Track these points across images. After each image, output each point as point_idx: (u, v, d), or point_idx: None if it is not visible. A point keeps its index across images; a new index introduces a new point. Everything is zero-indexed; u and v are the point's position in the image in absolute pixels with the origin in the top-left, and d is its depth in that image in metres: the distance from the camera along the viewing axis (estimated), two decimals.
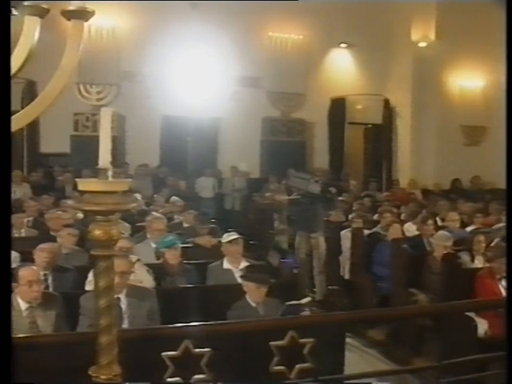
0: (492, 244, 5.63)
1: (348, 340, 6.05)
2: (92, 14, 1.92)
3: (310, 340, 3.10)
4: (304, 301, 4.01)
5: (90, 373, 2.05)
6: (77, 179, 2.02)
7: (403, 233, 7.31)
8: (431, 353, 5.55)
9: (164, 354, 2.80)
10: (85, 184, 1.97)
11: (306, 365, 3.11)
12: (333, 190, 7.21)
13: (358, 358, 5.77)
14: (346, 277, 7.38)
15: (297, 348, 3.07)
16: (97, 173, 1.98)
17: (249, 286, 4.37)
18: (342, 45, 13.92)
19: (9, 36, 1.80)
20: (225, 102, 12.25)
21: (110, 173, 1.98)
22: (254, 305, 4.36)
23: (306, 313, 3.97)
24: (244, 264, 5.24)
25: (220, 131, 12.76)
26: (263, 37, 13.12)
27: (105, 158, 2.00)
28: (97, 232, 1.98)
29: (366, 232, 7.39)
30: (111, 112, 2.07)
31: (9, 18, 1.80)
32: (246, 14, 12.26)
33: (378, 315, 3.93)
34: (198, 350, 2.85)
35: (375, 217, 8.42)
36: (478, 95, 13.73)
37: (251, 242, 6.85)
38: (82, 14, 1.89)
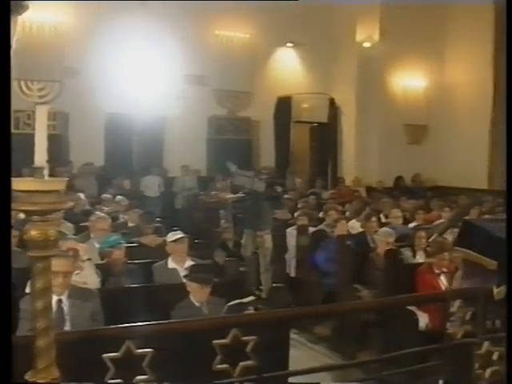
0: (430, 240, 5.77)
1: (294, 336, 6.13)
2: (26, 8, 1.87)
3: (253, 338, 3.10)
4: (246, 300, 4.01)
5: (26, 377, 2.00)
6: (12, 178, 1.96)
7: (348, 230, 7.44)
8: (376, 346, 5.66)
9: (105, 355, 2.75)
10: (20, 183, 1.92)
11: (249, 362, 3.11)
12: (278, 188, 7.24)
13: (303, 354, 5.84)
14: (292, 274, 7.45)
15: (240, 346, 3.07)
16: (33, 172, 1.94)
17: (192, 286, 4.36)
18: (289, 44, 14.06)
19: (9, 36, 1.81)
20: (171, 100, 12.16)
21: (46, 171, 1.94)
22: (197, 304, 4.35)
23: (250, 311, 3.99)
24: (189, 263, 5.22)
25: (166, 130, 12.65)
26: (209, 35, 13.08)
27: (41, 156, 1.96)
28: (33, 232, 1.93)
29: (312, 229, 7.49)
30: (47, 109, 2.03)
31: (9, 18, 1.82)
32: (192, 12, 12.22)
33: (321, 311, 3.97)
34: (139, 350, 2.81)
35: (320, 214, 8.53)
36: (420, 95, 14.09)
37: (196, 241, 6.82)
38: (15, 8, 1.84)
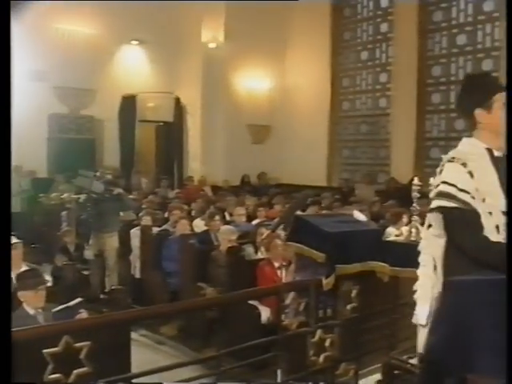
0: (263, 236, 5.98)
1: (140, 338, 6.08)
2: None
3: (87, 343, 3.02)
4: (72, 303, 3.88)
5: None
6: None
7: (192, 229, 7.48)
8: (221, 342, 5.74)
9: None
10: None
11: (83, 369, 3.03)
12: (118, 189, 7.11)
13: (150, 355, 5.79)
14: (137, 275, 7.35)
15: (73, 353, 2.97)
16: None
17: (24, 294, 4.12)
18: (133, 42, 13.80)
19: (9, 36, 1.92)
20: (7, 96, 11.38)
21: None
22: (32, 313, 4.12)
23: (84, 315, 3.87)
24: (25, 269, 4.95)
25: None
26: (49, 29, 12.40)
27: None
28: None
29: (156, 229, 7.44)
30: None
31: (9, 18, 1.88)
32: (30, 3, 11.49)
33: (160, 311, 3.97)
34: None
35: (166, 214, 8.49)
36: (264, 96, 14.53)
37: (34, 246, 6.49)
38: None
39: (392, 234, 5.69)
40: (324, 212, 7.63)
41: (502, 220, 2.41)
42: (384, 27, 13.33)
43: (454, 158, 2.48)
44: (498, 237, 2.40)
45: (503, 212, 2.42)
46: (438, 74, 12.20)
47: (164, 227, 7.51)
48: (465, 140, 2.63)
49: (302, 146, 13.98)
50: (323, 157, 14.05)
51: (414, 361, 3.96)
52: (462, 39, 11.81)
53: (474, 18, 11.61)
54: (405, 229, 4.71)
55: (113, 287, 6.39)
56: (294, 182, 13.41)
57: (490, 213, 2.41)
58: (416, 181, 4.42)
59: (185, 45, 14.03)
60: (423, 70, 12.27)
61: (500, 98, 2.53)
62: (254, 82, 14.32)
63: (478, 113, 2.54)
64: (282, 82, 14.74)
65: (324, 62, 13.99)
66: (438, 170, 2.55)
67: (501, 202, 2.45)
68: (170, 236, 7.01)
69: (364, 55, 13.80)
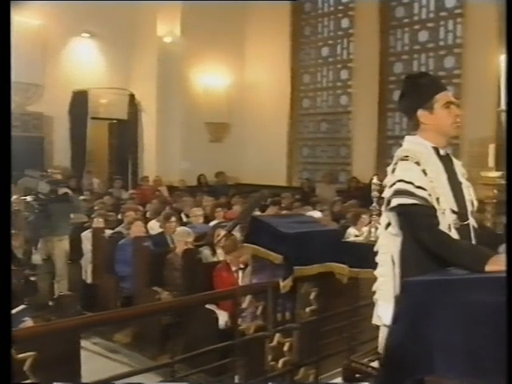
0: (219, 237, 5.87)
1: (92, 346, 5.87)
2: None
3: (32, 354, 2.84)
4: (15, 310, 3.67)
5: None
6: None
7: (147, 230, 7.28)
8: (178, 348, 5.59)
9: None
10: None
11: (27, 382, 2.85)
12: (64, 189, 6.86)
13: (103, 364, 5.61)
14: (89, 280, 7.10)
15: (16, 364, 2.78)
16: None
17: None
18: (84, 34, 13.34)
19: (9, 36, 1.92)
20: None
21: None
22: None
23: (28, 323, 3.66)
24: None
25: None
26: None
27: None
28: None
29: (109, 232, 7.20)
30: None
31: (9, 18, 1.94)
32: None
33: (110, 317, 3.77)
34: None
35: (119, 216, 8.25)
36: (222, 93, 14.28)
37: None
38: None
39: (352, 234, 5.65)
40: (282, 212, 7.53)
41: (452, 219, 2.48)
42: (345, 23, 13.21)
43: (407, 156, 2.50)
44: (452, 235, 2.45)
45: (452, 210, 2.49)
46: (399, 71, 12.13)
47: (117, 229, 7.30)
48: (410, 138, 2.66)
49: (261, 144, 13.86)
50: (283, 156, 13.93)
51: (375, 364, 3.89)
52: (423, 36, 11.80)
53: (435, 15, 11.61)
54: (365, 229, 4.65)
55: (61, 293, 6.14)
56: (253, 182, 13.25)
57: (443, 212, 2.46)
58: (375, 180, 4.34)
59: (139, 38, 13.70)
60: (385, 67, 12.23)
61: (441, 98, 2.57)
62: (211, 78, 14.05)
63: (421, 114, 2.58)
64: (240, 79, 14.55)
65: (284, 58, 13.86)
66: (390, 168, 2.57)
67: (451, 201, 2.51)
68: (123, 238, 6.79)
69: (325, 51, 13.67)
